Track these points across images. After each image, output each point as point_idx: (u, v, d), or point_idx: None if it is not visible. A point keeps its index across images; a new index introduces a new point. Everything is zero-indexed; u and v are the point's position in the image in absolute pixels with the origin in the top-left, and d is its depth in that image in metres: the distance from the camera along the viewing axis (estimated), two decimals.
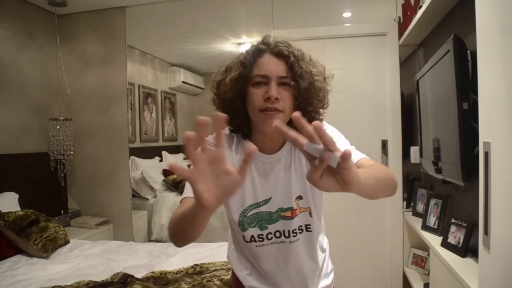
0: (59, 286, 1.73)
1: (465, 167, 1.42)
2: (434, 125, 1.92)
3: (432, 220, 2.05)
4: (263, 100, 0.88)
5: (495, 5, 0.96)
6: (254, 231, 0.98)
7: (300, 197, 0.98)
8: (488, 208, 0.99)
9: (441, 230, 1.90)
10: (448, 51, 1.51)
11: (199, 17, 3.48)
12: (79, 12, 3.22)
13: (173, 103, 5.53)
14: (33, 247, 2.17)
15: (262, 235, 0.98)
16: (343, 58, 2.73)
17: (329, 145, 0.53)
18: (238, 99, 0.92)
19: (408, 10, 2.43)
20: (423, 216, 2.16)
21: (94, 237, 2.86)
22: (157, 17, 3.46)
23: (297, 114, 0.53)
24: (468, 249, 1.57)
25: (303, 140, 0.54)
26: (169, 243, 2.57)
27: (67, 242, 2.43)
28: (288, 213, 0.98)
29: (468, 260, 1.52)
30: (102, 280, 1.81)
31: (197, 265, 1.97)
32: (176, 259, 2.15)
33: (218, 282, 1.71)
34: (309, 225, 1.01)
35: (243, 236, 0.99)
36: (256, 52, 0.93)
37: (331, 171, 0.56)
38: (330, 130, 0.99)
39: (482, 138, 1.04)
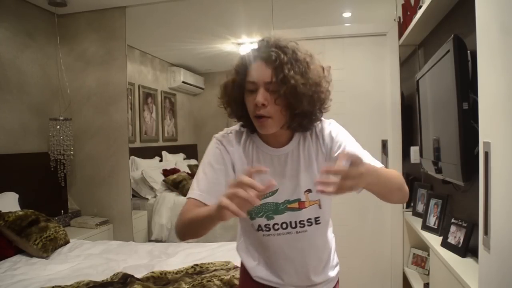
0: (59, 286, 1.73)
1: (465, 167, 1.42)
2: (434, 125, 1.92)
3: (432, 220, 2.05)
4: (253, 106, 0.92)
5: (495, 5, 0.96)
6: (261, 221, 1.02)
7: (309, 190, 1.01)
8: (488, 208, 0.99)
9: (441, 230, 1.90)
10: (448, 51, 1.51)
11: (199, 17, 3.48)
12: (79, 12, 3.22)
13: (173, 103, 5.53)
14: (33, 247, 2.17)
15: (268, 225, 1.02)
16: (343, 58, 2.73)
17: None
18: (240, 103, 0.98)
19: (408, 10, 2.43)
20: (423, 216, 2.16)
21: (94, 237, 2.86)
22: (157, 17, 3.46)
23: (323, 171, 0.72)
24: (468, 249, 1.57)
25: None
26: (169, 243, 2.57)
27: (67, 242, 2.43)
28: (295, 205, 1.01)
29: (468, 260, 1.52)
30: (102, 280, 1.81)
31: (197, 265, 1.97)
32: (176, 259, 2.15)
33: (218, 282, 1.71)
34: (319, 217, 1.04)
35: (252, 224, 1.03)
36: (250, 58, 0.96)
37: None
38: (341, 132, 1.06)
39: (482, 138, 1.04)
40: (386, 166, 2.66)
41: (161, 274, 1.86)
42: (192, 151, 5.95)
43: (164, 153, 5.03)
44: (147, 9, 3.21)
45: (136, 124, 4.49)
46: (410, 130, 2.71)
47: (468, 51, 1.44)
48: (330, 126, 1.05)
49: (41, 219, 2.34)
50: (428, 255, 2.26)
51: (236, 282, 1.72)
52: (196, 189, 0.98)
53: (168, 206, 3.96)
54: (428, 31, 2.28)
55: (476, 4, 1.05)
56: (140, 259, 2.19)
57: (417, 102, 2.25)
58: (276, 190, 1.00)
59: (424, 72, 2.02)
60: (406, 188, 0.93)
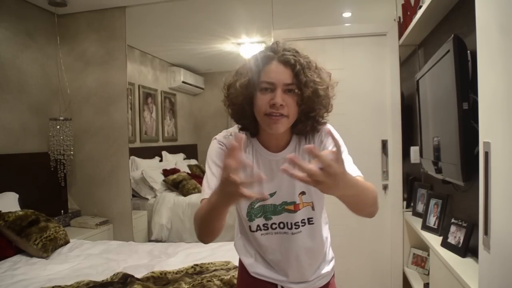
0: (59, 286, 1.73)
1: (465, 167, 1.42)
2: (434, 125, 1.92)
3: (432, 220, 2.05)
4: (268, 105, 0.94)
5: (495, 5, 0.96)
6: (260, 221, 1.06)
7: (303, 193, 1.05)
8: (488, 208, 0.99)
9: (441, 230, 1.90)
10: (448, 51, 1.51)
11: (199, 17, 3.48)
12: (79, 12, 3.22)
13: (173, 103, 5.53)
14: (33, 247, 2.17)
15: (267, 224, 1.07)
16: (343, 58, 2.73)
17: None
18: (246, 103, 0.99)
19: (408, 10, 2.43)
20: (423, 216, 2.16)
21: (94, 237, 2.86)
22: (157, 17, 3.46)
23: (308, 147, 0.67)
24: (468, 249, 1.57)
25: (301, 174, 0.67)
26: (169, 243, 2.57)
27: (67, 242, 2.43)
28: (291, 207, 1.06)
29: (468, 260, 1.52)
30: (102, 280, 1.81)
31: (197, 265, 1.97)
32: (176, 259, 2.15)
33: (218, 282, 1.71)
34: (312, 218, 1.08)
35: (250, 226, 1.07)
36: (265, 59, 0.98)
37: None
38: (337, 136, 1.03)
39: (482, 138, 1.04)
40: (386, 166, 2.67)
41: (161, 274, 1.86)
42: (192, 151, 5.95)
43: (164, 153, 5.03)
44: (147, 9, 3.21)
45: (136, 124, 4.49)
46: (410, 130, 2.71)
47: (468, 51, 1.44)
48: (324, 130, 1.07)
49: (41, 219, 2.34)
50: (428, 255, 2.26)
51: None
52: (207, 189, 0.97)
53: (168, 206, 3.96)
54: (428, 31, 2.28)
55: (476, 4, 1.05)
56: (140, 259, 2.19)
57: (417, 102, 2.25)
58: (275, 193, 1.04)
59: (424, 72, 2.02)
60: (378, 205, 0.92)
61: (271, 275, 1.12)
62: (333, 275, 1.22)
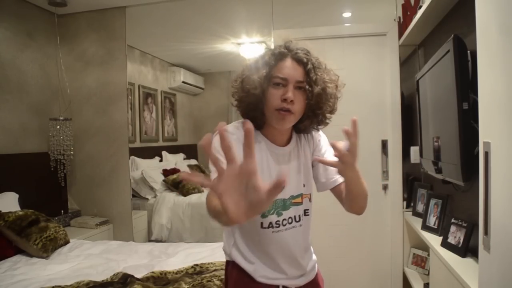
0: (59, 286, 1.73)
1: (465, 167, 1.42)
2: (434, 125, 1.92)
3: (432, 220, 2.04)
4: (280, 100, 0.99)
5: (495, 5, 0.96)
6: (272, 218, 1.06)
7: (304, 185, 1.11)
8: (488, 208, 0.99)
9: (441, 230, 1.90)
10: (448, 51, 1.51)
11: (199, 17, 3.48)
12: (79, 12, 3.22)
13: (173, 103, 5.53)
14: (33, 247, 2.17)
15: (279, 221, 1.07)
16: (343, 58, 2.73)
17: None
18: (259, 95, 1.02)
19: (408, 10, 2.43)
20: (423, 216, 2.16)
21: (94, 237, 2.86)
22: (157, 17, 3.46)
23: (355, 119, 0.86)
24: (468, 249, 1.57)
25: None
26: (169, 243, 2.57)
27: (67, 242, 2.43)
28: (299, 199, 1.10)
29: (468, 260, 1.52)
30: (102, 280, 1.81)
31: (197, 265, 1.97)
32: (176, 259, 2.15)
33: (218, 282, 1.71)
34: (308, 209, 1.12)
35: (262, 223, 1.06)
36: (279, 55, 1.03)
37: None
38: (324, 139, 1.19)
39: (482, 138, 1.04)
40: (386, 166, 2.67)
41: (161, 274, 1.86)
42: (192, 151, 5.94)
43: (164, 153, 5.03)
44: (147, 9, 3.21)
45: (136, 124, 4.49)
46: (410, 130, 2.71)
47: (468, 51, 1.44)
48: (320, 134, 1.19)
49: (41, 219, 2.34)
50: (428, 255, 2.26)
51: None
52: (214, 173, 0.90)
53: (168, 206, 3.96)
54: (428, 31, 2.28)
55: (476, 4, 1.05)
56: (140, 259, 2.19)
57: (417, 102, 2.25)
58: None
59: (424, 72, 2.02)
60: (367, 203, 1.05)
61: (278, 276, 1.11)
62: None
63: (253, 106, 1.03)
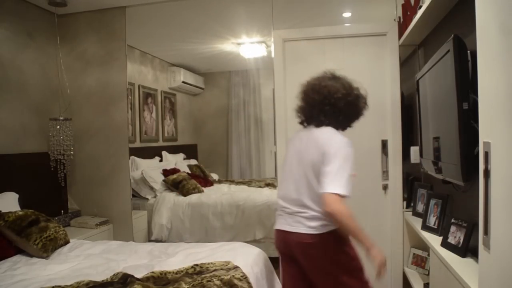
0: (59, 286, 1.73)
1: (465, 167, 1.42)
2: (434, 125, 1.92)
3: (432, 220, 2.04)
4: None
5: (495, 5, 0.96)
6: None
7: None
8: (488, 208, 0.99)
9: (441, 230, 1.90)
10: (448, 51, 1.51)
11: (199, 17, 3.48)
12: (79, 12, 3.22)
13: (173, 103, 5.53)
14: (33, 247, 2.17)
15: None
16: (343, 58, 2.73)
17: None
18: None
19: (408, 10, 2.43)
20: (423, 216, 2.16)
21: (94, 237, 2.86)
22: (157, 17, 3.46)
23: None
24: (468, 249, 1.57)
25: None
26: (169, 243, 2.56)
27: (67, 242, 2.43)
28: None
29: (468, 260, 1.52)
30: (102, 280, 1.81)
31: (197, 265, 1.97)
32: (176, 259, 2.15)
33: (218, 282, 1.71)
34: None
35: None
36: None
37: None
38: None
39: (482, 138, 1.04)
40: (386, 166, 2.67)
41: (161, 274, 1.86)
42: (192, 151, 5.95)
43: (164, 153, 5.03)
44: (147, 9, 3.21)
45: (136, 124, 4.49)
46: (410, 130, 2.71)
47: (468, 51, 1.44)
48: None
49: (41, 219, 2.33)
50: (428, 255, 2.26)
51: (236, 282, 1.72)
52: (349, 186, 1.50)
53: (168, 206, 3.95)
54: (428, 31, 2.28)
55: (476, 4, 1.05)
56: (140, 259, 2.19)
57: (417, 102, 2.25)
58: None
59: (424, 72, 2.02)
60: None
61: None
62: None
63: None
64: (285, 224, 1.65)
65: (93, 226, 3.00)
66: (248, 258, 2.08)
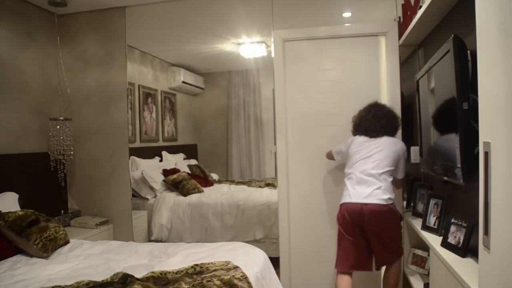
0: (59, 286, 1.73)
1: (465, 167, 1.42)
2: (434, 125, 1.92)
3: (432, 220, 2.04)
4: None
5: (495, 5, 0.96)
6: None
7: None
8: (488, 208, 0.99)
9: (441, 230, 1.90)
10: (448, 51, 1.50)
11: (199, 17, 3.48)
12: (79, 12, 3.22)
13: (173, 103, 5.53)
14: (33, 247, 2.17)
15: None
16: (343, 58, 2.73)
17: None
18: None
19: (408, 10, 2.43)
20: (423, 216, 2.16)
21: (94, 237, 2.86)
22: (157, 17, 3.46)
23: None
24: (468, 249, 1.57)
25: None
26: (169, 243, 2.56)
27: (67, 242, 2.43)
28: None
29: (468, 260, 1.52)
30: (102, 280, 1.81)
31: (197, 265, 1.97)
32: (176, 259, 2.15)
33: (218, 282, 1.71)
34: None
35: None
36: None
37: None
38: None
39: (482, 138, 1.04)
40: None
41: (161, 274, 1.86)
42: (192, 151, 5.95)
43: (164, 153, 5.03)
44: (147, 9, 3.21)
45: (136, 124, 4.49)
46: (410, 130, 2.71)
47: (468, 51, 1.43)
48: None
49: (41, 219, 2.33)
50: (428, 255, 2.26)
51: (236, 282, 1.72)
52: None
53: (168, 206, 3.96)
54: (428, 31, 2.28)
55: (476, 4, 1.05)
56: (140, 259, 2.19)
57: (417, 102, 2.25)
58: None
59: (424, 72, 2.02)
60: None
61: None
62: None
63: None
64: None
65: (93, 226, 3.00)
66: (248, 258, 2.08)
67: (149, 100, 4.82)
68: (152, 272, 1.87)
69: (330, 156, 2.58)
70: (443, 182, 1.88)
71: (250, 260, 2.07)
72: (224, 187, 4.66)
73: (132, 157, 4.11)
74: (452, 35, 1.46)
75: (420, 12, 1.98)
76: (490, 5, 0.99)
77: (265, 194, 3.97)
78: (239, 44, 4.38)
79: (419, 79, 2.16)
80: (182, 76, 5.33)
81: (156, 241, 3.68)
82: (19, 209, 2.41)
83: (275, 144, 2.98)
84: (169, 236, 3.88)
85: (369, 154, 2.25)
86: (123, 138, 3.21)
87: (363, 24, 2.93)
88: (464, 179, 1.45)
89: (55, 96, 3.18)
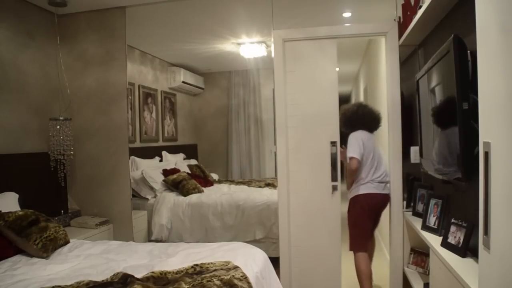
0: (59, 286, 1.73)
1: (465, 167, 1.42)
2: (434, 125, 1.91)
3: (432, 220, 2.04)
4: None
5: (495, 5, 0.96)
6: None
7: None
8: (488, 208, 0.99)
9: (441, 230, 1.90)
10: (448, 51, 1.50)
11: (199, 17, 3.48)
12: (79, 12, 3.22)
13: (173, 103, 5.53)
14: (33, 247, 2.17)
15: None
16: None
17: None
18: None
19: (408, 10, 2.43)
20: (423, 216, 2.16)
21: (94, 237, 2.86)
22: (157, 17, 3.46)
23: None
24: (468, 249, 1.57)
25: None
26: (169, 243, 2.56)
27: (67, 242, 2.43)
28: None
29: (468, 260, 1.52)
30: (102, 280, 1.81)
31: (197, 265, 1.97)
32: (176, 259, 2.15)
33: (218, 282, 1.71)
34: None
35: None
36: None
37: None
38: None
39: (482, 138, 1.04)
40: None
41: (161, 274, 1.86)
42: (192, 151, 5.95)
43: (164, 153, 5.03)
44: (147, 9, 3.21)
45: (136, 124, 4.49)
46: (410, 130, 2.71)
47: (468, 51, 1.43)
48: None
49: (41, 219, 2.33)
50: (428, 255, 2.26)
51: (236, 282, 1.72)
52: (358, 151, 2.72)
53: (168, 206, 3.96)
54: (428, 31, 2.28)
55: (476, 4, 1.05)
56: (140, 259, 2.19)
57: (417, 102, 2.25)
58: None
59: (424, 72, 2.02)
60: None
61: None
62: None
63: None
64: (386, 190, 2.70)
65: (93, 226, 3.00)
66: (248, 258, 2.08)
67: (149, 100, 4.82)
68: (152, 272, 1.87)
69: (354, 166, 2.64)
70: (443, 182, 1.88)
71: (250, 260, 2.07)
72: (224, 187, 4.66)
73: (132, 157, 4.11)
74: (452, 35, 1.46)
75: (420, 12, 1.98)
76: (490, 5, 0.99)
77: (265, 194, 3.97)
78: (239, 44, 4.38)
79: (419, 79, 2.16)
80: (182, 76, 5.33)
81: (156, 241, 3.68)
82: (19, 209, 2.41)
83: (275, 144, 2.98)
84: (169, 236, 3.88)
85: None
86: (123, 138, 3.21)
87: (363, 24, 2.93)
88: (464, 179, 1.45)
89: (55, 96, 3.18)
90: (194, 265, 1.97)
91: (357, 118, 2.73)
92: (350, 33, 2.78)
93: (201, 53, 4.77)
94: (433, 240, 1.84)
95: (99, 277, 1.86)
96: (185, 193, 4.09)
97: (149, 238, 3.87)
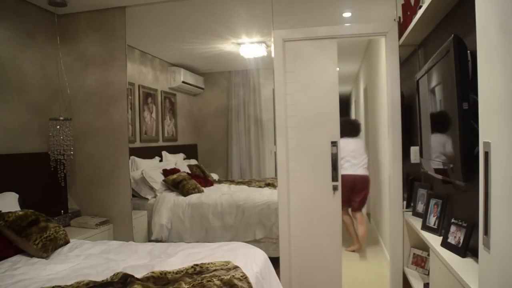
0: (59, 286, 1.73)
1: (465, 167, 1.42)
2: (434, 125, 1.92)
3: (432, 220, 2.04)
4: None
5: (495, 5, 0.96)
6: None
7: None
8: (488, 208, 0.99)
9: (441, 230, 1.90)
10: (448, 51, 1.50)
11: (199, 17, 3.48)
12: (79, 12, 3.22)
13: (173, 103, 5.53)
14: (33, 247, 2.17)
15: None
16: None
17: None
18: None
19: (408, 10, 2.43)
20: (423, 216, 2.16)
21: (94, 237, 2.86)
22: (157, 17, 3.46)
23: None
24: (468, 249, 1.57)
25: None
26: (169, 243, 2.56)
27: (67, 242, 2.43)
28: None
29: (468, 260, 1.52)
30: (102, 280, 1.81)
31: (197, 265, 1.97)
32: (176, 259, 2.15)
33: (218, 282, 1.71)
34: None
35: None
36: None
37: None
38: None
39: (482, 138, 1.04)
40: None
41: (161, 274, 1.86)
42: (192, 151, 5.95)
43: (164, 153, 5.03)
44: (147, 9, 3.21)
45: (136, 124, 4.49)
46: (410, 130, 2.71)
47: (468, 51, 1.43)
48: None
49: (41, 219, 2.33)
50: (428, 255, 2.26)
51: (236, 282, 1.72)
52: None
53: (168, 206, 3.96)
54: (428, 31, 2.28)
55: (476, 4, 1.05)
56: (140, 259, 2.19)
57: (417, 102, 2.25)
58: None
59: (424, 72, 2.02)
60: None
61: None
62: None
63: None
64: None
65: (93, 226, 3.00)
66: (248, 258, 2.08)
67: (149, 100, 4.82)
68: (152, 272, 1.87)
69: None
70: (443, 182, 1.88)
71: (250, 260, 2.07)
72: (224, 187, 4.66)
73: (132, 157, 4.11)
74: (452, 35, 1.46)
75: (420, 12, 1.98)
76: (490, 5, 0.99)
77: (265, 194, 3.97)
78: (239, 44, 4.38)
79: (419, 79, 2.16)
80: (182, 76, 5.33)
81: (156, 241, 3.68)
82: (19, 209, 2.41)
83: (275, 144, 2.98)
84: (169, 236, 3.88)
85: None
86: (123, 138, 3.21)
87: (363, 24, 2.93)
88: (464, 179, 1.45)
89: (55, 96, 3.18)
90: (194, 265, 1.97)
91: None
92: (350, 33, 2.78)
93: (201, 53, 4.77)
94: (433, 240, 1.84)
95: (99, 277, 1.86)
96: (185, 193, 4.09)
97: (149, 238, 3.86)
